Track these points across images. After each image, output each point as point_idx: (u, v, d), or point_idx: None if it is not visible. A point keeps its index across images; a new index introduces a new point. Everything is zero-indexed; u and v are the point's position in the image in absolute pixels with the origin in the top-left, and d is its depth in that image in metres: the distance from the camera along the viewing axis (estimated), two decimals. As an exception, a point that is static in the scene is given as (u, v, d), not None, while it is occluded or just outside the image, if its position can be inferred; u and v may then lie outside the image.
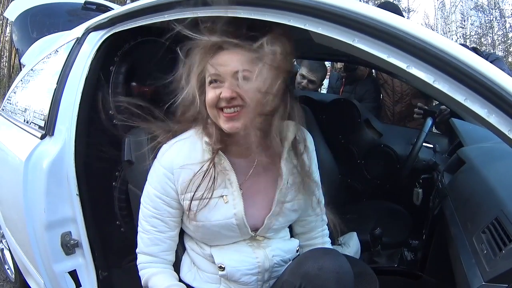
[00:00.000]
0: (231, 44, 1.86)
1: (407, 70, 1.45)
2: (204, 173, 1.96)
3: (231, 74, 1.85)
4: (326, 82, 6.52)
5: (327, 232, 2.40)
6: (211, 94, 1.90)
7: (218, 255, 2.05)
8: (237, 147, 2.00)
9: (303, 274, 1.83)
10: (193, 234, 2.12)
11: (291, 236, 2.33)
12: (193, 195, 1.97)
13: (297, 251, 2.22)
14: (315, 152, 2.25)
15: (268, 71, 1.81)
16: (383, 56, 1.49)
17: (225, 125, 1.89)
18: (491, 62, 1.48)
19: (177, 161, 2.00)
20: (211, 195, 1.96)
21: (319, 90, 6.15)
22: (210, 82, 1.91)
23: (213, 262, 2.05)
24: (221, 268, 2.02)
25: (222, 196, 1.99)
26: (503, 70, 1.43)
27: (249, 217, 2.02)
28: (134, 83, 2.82)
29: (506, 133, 1.30)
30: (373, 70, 5.60)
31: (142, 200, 2.12)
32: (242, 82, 1.84)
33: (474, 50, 4.08)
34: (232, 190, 2.00)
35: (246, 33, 1.85)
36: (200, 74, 1.95)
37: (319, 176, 2.30)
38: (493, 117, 1.32)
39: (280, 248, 2.14)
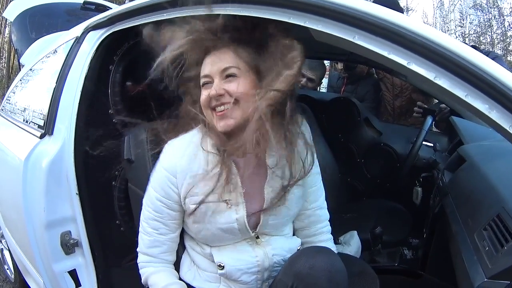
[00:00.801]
0: (223, 42, 1.90)
1: (408, 66, 1.45)
2: (209, 177, 1.96)
3: (219, 72, 1.88)
4: (325, 82, 6.52)
5: (328, 228, 2.38)
6: (203, 94, 1.92)
7: (217, 254, 2.04)
8: (236, 147, 1.96)
9: (295, 273, 1.83)
10: (195, 235, 2.11)
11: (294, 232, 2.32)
12: (197, 199, 1.97)
13: (298, 250, 2.20)
14: (313, 144, 2.20)
15: (264, 69, 1.85)
16: (384, 53, 1.49)
17: (218, 124, 1.90)
18: (491, 60, 1.48)
19: (181, 164, 1.99)
20: (214, 200, 1.96)
21: (318, 89, 6.14)
22: (203, 83, 1.94)
23: (213, 261, 2.05)
24: (221, 267, 2.02)
25: (225, 200, 1.98)
26: (502, 68, 1.43)
27: (248, 217, 2.02)
28: (129, 83, 2.82)
29: (507, 129, 1.30)
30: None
31: (144, 201, 2.12)
32: (230, 79, 1.87)
33: (474, 48, 4.07)
34: (235, 195, 1.99)
35: (242, 32, 1.88)
36: (194, 74, 1.99)
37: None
38: (494, 113, 1.33)
39: (281, 247, 2.13)
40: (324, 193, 2.33)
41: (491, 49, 19.06)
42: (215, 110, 1.90)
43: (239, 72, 1.87)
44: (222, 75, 1.88)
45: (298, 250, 2.20)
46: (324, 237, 2.35)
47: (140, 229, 2.14)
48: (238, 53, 1.89)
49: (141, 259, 2.16)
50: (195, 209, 1.98)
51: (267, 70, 1.87)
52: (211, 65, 1.90)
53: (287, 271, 1.90)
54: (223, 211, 1.98)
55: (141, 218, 2.13)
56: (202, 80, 1.94)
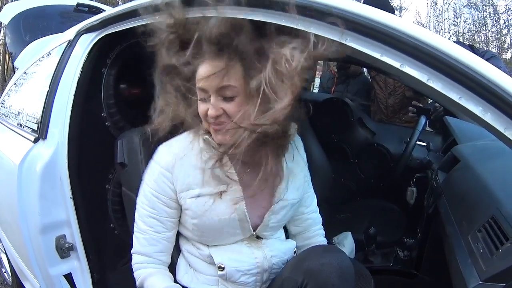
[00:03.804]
0: (214, 53, 1.80)
1: (401, 68, 1.44)
2: (203, 171, 1.96)
3: (216, 90, 1.82)
4: (317, 82, 6.55)
5: (323, 232, 2.44)
6: (200, 108, 1.89)
7: (217, 255, 2.04)
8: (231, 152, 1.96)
9: (305, 270, 1.83)
10: (192, 234, 2.10)
11: (288, 238, 2.35)
12: (193, 193, 1.97)
13: (295, 252, 2.24)
14: (304, 151, 2.28)
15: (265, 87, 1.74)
16: (376, 55, 1.48)
17: (215, 137, 1.91)
18: (487, 59, 1.48)
19: (175, 160, 2.00)
20: (211, 192, 1.97)
21: (311, 89, 6.16)
22: (199, 93, 1.89)
23: (211, 264, 2.06)
24: (221, 268, 2.02)
25: (223, 192, 1.98)
26: (499, 67, 1.43)
27: (249, 214, 2.02)
28: (123, 85, 2.82)
29: (502, 131, 1.30)
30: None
31: (138, 199, 2.10)
32: (228, 99, 1.82)
33: (471, 47, 4.07)
34: (232, 186, 1.99)
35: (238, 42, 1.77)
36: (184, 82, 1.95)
37: (311, 175, 2.34)
38: (489, 115, 1.32)
39: (279, 248, 2.16)
40: (316, 197, 2.39)
41: (485, 48, 19.11)
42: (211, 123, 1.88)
43: (236, 91, 1.81)
44: (219, 93, 1.82)
45: (294, 252, 2.24)
46: (320, 239, 2.40)
47: (135, 228, 2.12)
48: (234, 67, 1.80)
49: (136, 260, 2.13)
50: (191, 203, 1.98)
51: (259, 85, 1.76)
52: (207, 80, 1.82)
53: (297, 268, 1.90)
54: (221, 203, 1.98)
55: (135, 217, 2.12)
56: (198, 92, 1.89)
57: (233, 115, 1.82)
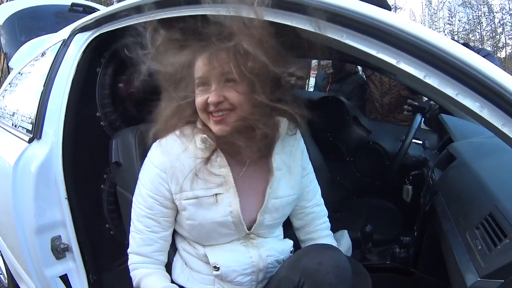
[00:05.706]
0: (215, 45, 1.81)
1: (397, 65, 1.44)
2: (199, 172, 1.95)
3: (217, 76, 1.82)
4: (312, 81, 6.54)
5: (327, 225, 2.43)
6: (199, 98, 1.88)
7: (212, 255, 2.03)
8: (230, 145, 1.96)
9: (302, 269, 1.83)
10: (188, 233, 2.10)
11: (288, 236, 2.33)
12: (189, 194, 1.96)
13: (291, 252, 2.22)
14: (304, 145, 2.27)
15: (257, 73, 1.77)
16: (373, 52, 1.47)
17: (214, 128, 1.88)
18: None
19: (170, 160, 1.98)
20: (207, 194, 1.95)
21: (306, 88, 6.16)
22: (198, 86, 1.89)
23: (207, 263, 2.04)
24: (216, 268, 2.00)
25: (218, 194, 1.97)
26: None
27: (243, 214, 2.01)
28: (121, 85, 2.81)
29: (500, 127, 1.29)
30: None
31: (134, 199, 2.09)
32: (229, 85, 1.81)
33: (465, 46, 4.07)
34: (227, 188, 1.98)
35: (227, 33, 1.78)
36: (185, 76, 1.93)
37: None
38: (486, 111, 1.31)
39: (274, 248, 2.14)
40: (319, 190, 2.38)
41: (480, 46, 19.19)
42: (211, 114, 1.87)
43: (238, 78, 1.80)
44: (221, 79, 1.82)
45: (291, 252, 2.22)
46: (324, 233, 2.40)
47: (132, 228, 2.11)
48: (235, 55, 1.79)
49: (132, 260, 2.12)
50: (187, 204, 1.97)
51: (262, 73, 1.79)
52: (208, 68, 1.83)
53: (293, 267, 1.89)
54: (216, 205, 1.97)
55: (132, 217, 2.10)
56: (197, 81, 1.89)
57: (234, 100, 1.82)
